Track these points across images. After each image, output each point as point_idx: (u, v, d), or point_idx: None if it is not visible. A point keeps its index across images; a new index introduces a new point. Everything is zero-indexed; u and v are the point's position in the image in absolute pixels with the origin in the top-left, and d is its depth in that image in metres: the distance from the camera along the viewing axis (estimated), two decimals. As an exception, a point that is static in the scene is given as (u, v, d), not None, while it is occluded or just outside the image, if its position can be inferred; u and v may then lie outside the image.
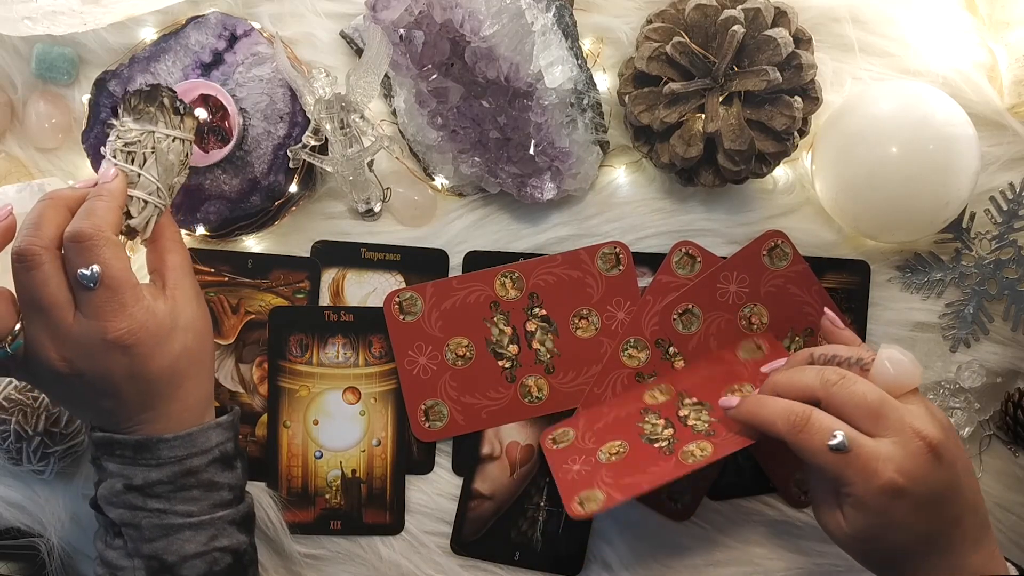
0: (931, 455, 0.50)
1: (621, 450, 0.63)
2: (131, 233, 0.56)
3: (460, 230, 0.68)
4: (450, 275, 0.68)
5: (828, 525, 0.54)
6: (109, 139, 0.57)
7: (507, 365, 0.68)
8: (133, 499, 0.55)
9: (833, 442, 0.50)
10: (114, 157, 0.56)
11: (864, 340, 0.69)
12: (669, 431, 0.63)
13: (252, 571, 0.60)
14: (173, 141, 0.56)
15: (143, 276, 0.60)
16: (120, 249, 0.53)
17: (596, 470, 0.62)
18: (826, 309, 0.62)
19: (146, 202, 0.56)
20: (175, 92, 0.58)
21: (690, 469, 0.58)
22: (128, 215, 0.56)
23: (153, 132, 0.56)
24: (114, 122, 0.57)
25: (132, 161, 0.56)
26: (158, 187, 0.56)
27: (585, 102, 0.65)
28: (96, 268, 0.51)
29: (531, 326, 0.68)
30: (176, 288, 0.57)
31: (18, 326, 0.53)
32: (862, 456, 0.50)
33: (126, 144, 0.56)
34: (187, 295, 0.57)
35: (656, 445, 0.62)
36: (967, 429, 0.68)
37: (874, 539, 0.51)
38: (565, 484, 0.62)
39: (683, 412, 0.64)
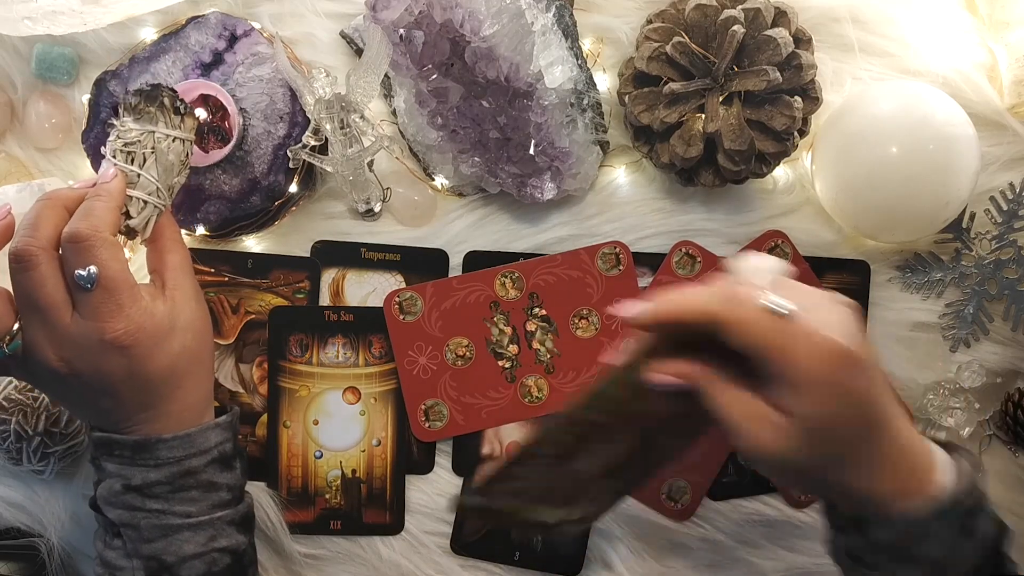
0: (859, 321, 0.46)
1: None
2: (131, 233, 0.56)
3: (460, 230, 0.68)
4: (450, 275, 0.68)
5: (759, 436, 0.45)
6: (109, 139, 0.56)
7: (507, 365, 0.68)
8: (132, 499, 0.55)
9: (770, 300, 0.44)
10: (114, 157, 0.56)
11: (864, 340, 0.69)
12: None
13: (252, 571, 0.60)
14: (173, 141, 0.56)
15: (143, 276, 0.60)
16: (118, 250, 0.53)
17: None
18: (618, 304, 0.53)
19: (146, 202, 0.56)
20: (176, 92, 0.58)
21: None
22: (127, 215, 0.55)
23: (153, 132, 0.56)
24: (114, 122, 0.57)
25: (132, 161, 0.56)
26: (158, 187, 0.56)
27: (585, 102, 0.65)
28: (93, 269, 0.51)
29: (531, 326, 0.68)
30: (175, 288, 0.57)
31: (16, 326, 0.53)
32: (802, 321, 0.44)
33: (126, 144, 0.56)
34: (186, 295, 0.57)
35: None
36: (967, 429, 0.68)
37: (823, 427, 0.45)
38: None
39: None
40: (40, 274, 0.51)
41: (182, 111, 0.57)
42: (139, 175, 0.55)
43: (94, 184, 0.55)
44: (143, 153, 0.56)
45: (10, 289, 0.53)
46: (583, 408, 0.49)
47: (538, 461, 0.49)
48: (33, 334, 0.53)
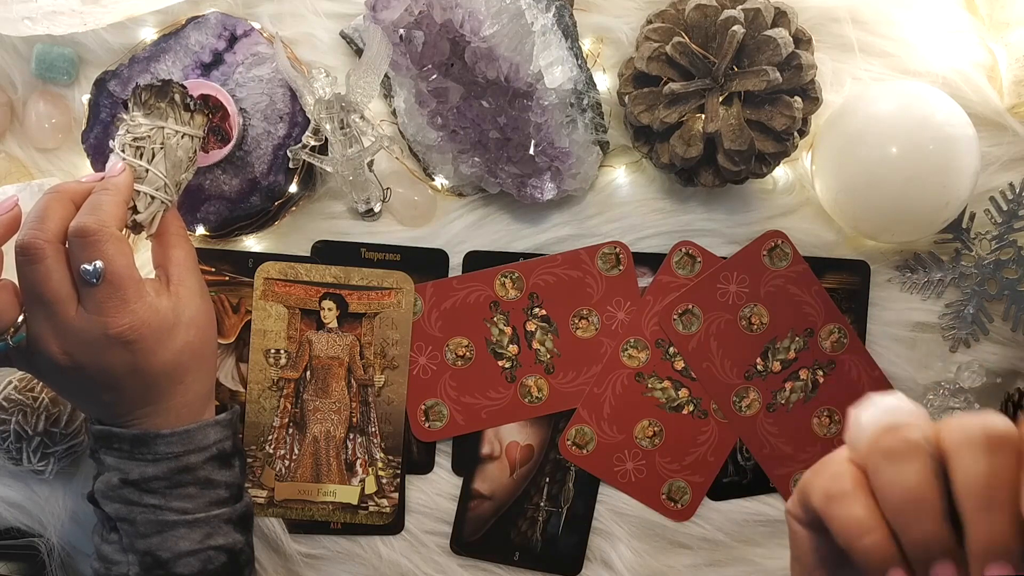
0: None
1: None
2: (137, 228, 0.56)
3: (460, 230, 0.68)
4: (450, 275, 0.68)
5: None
6: (118, 133, 0.57)
7: (507, 365, 0.68)
8: (129, 494, 0.55)
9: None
10: (122, 151, 0.56)
11: (864, 340, 0.69)
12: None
13: (248, 570, 0.60)
14: (182, 137, 0.57)
15: (148, 271, 0.60)
16: (124, 244, 0.53)
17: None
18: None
19: (153, 197, 0.56)
20: (186, 88, 0.58)
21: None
22: (134, 210, 0.56)
23: (163, 128, 0.56)
24: (124, 116, 0.57)
25: (140, 156, 0.56)
26: (165, 183, 0.56)
27: (585, 102, 0.65)
28: (99, 263, 0.51)
29: (531, 326, 0.68)
30: (180, 284, 0.57)
31: (21, 318, 0.53)
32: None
33: (135, 139, 0.56)
34: (191, 291, 0.57)
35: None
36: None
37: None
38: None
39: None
40: (46, 267, 0.51)
41: (192, 108, 0.57)
42: (147, 170, 0.56)
43: (102, 178, 0.55)
44: (152, 148, 0.56)
45: (16, 281, 0.53)
46: None
47: None
48: (38, 327, 0.53)
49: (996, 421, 0.33)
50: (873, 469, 0.34)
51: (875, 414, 0.36)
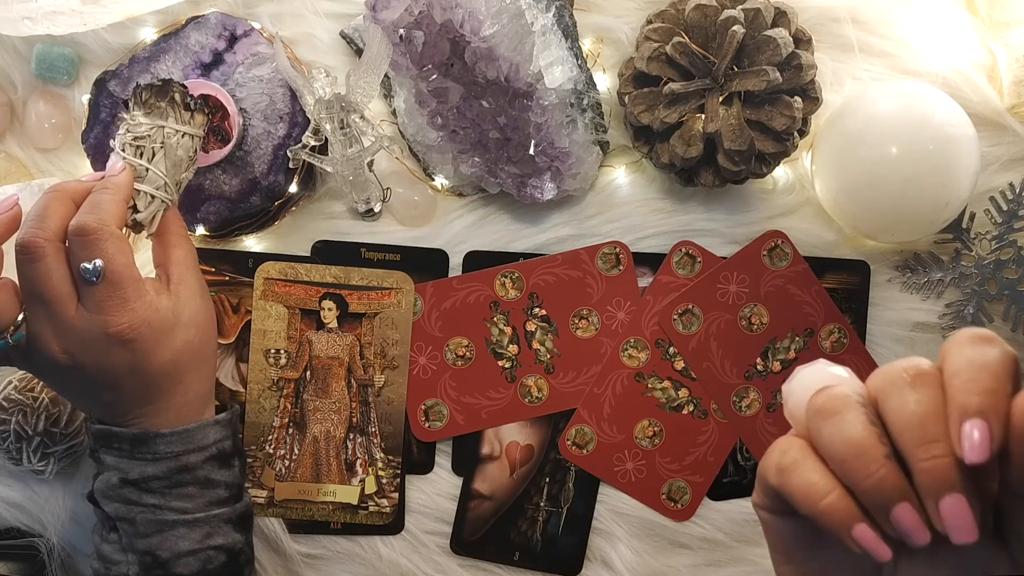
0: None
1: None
2: (137, 227, 0.56)
3: (460, 230, 0.68)
4: (450, 275, 0.68)
5: None
6: (118, 132, 0.57)
7: (507, 365, 0.68)
8: (128, 493, 0.55)
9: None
10: (123, 150, 0.56)
11: (864, 340, 0.69)
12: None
13: (248, 570, 0.60)
14: (183, 137, 0.57)
15: (149, 271, 0.60)
16: (124, 243, 0.53)
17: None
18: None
19: (153, 196, 0.56)
20: (186, 87, 0.58)
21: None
22: (135, 209, 0.56)
23: (163, 127, 0.56)
24: (124, 115, 0.57)
25: (141, 155, 0.56)
26: (165, 182, 0.56)
27: (585, 102, 0.65)
28: (99, 262, 0.51)
29: (531, 326, 0.68)
30: (180, 283, 0.57)
31: (21, 316, 0.53)
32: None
33: (135, 138, 0.56)
34: (191, 290, 0.57)
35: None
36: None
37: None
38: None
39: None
40: (46, 266, 0.52)
41: (192, 107, 0.57)
42: (147, 169, 0.56)
43: (102, 177, 0.55)
44: (152, 147, 0.56)
45: (16, 280, 0.53)
46: None
47: None
48: (37, 325, 0.53)
49: (914, 360, 0.34)
50: (814, 433, 0.35)
51: (804, 382, 0.37)
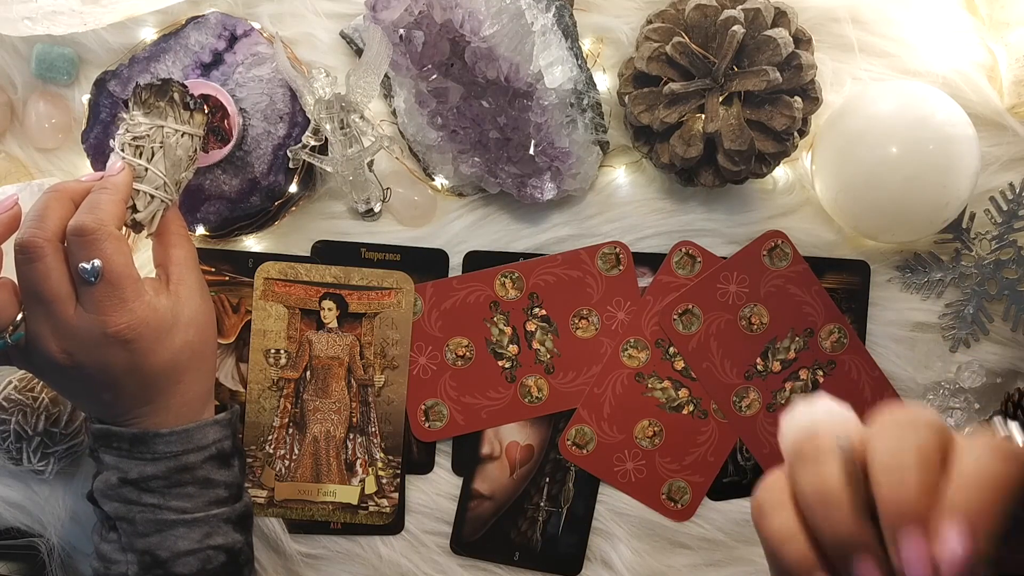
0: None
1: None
2: (137, 227, 0.56)
3: (460, 230, 0.68)
4: (450, 275, 0.68)
5: None
6: (118, 132, 0.57)
7: (507, 365, 0.68)
8: (128, 493, 0.55)
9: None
10: (122, 150, 0.56)
11: (864, 340, 0.69)
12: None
13: (248, 570, 0.60)
14: (182, 136, 0.57)
15: (149, 271, 0.60)
16: (122, 243, 0.53)
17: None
18: None
19: (152, 196, 0.56)
20: (186, 87, 0.58)
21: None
22: (134, 209, 0.56)
23: (162, 127, 0.56)
24: (124, 115, 0.57)
25: (140, 155, 0.56)
26: (165, 182, 0.56)
27: (585, 102, 0.65)
28: (97, 262, 0.51)
29: (531, 326, 0.68)
30: (180, 283, 0.57)
31: (20, 316, 0.53)
32: None
33: (135, 138, 0.56)
34: (191, 290, 0.57)
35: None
36: (967, 429, 0.68)
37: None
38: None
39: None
40: (45, 266, 0.52)
41: (192, 106, 0.57)
42: (147, 169, 0.56)
43: (101, 177, 0.55)
44: (151, 147, 0.56)
45: (15, 280, 0.53)
46: None
47: None
48: (36, 325, 0.53)
49: (913, 409, 0.33)
50: (793, 476, 0.34)
51: (797, 422, 0.36)
